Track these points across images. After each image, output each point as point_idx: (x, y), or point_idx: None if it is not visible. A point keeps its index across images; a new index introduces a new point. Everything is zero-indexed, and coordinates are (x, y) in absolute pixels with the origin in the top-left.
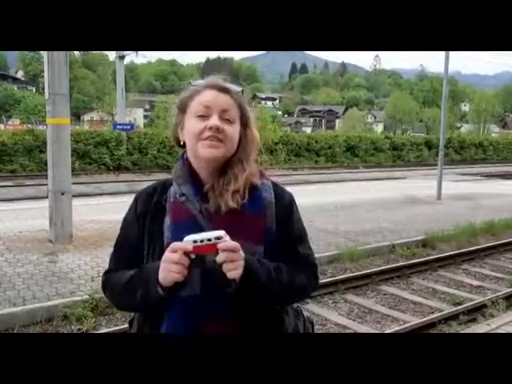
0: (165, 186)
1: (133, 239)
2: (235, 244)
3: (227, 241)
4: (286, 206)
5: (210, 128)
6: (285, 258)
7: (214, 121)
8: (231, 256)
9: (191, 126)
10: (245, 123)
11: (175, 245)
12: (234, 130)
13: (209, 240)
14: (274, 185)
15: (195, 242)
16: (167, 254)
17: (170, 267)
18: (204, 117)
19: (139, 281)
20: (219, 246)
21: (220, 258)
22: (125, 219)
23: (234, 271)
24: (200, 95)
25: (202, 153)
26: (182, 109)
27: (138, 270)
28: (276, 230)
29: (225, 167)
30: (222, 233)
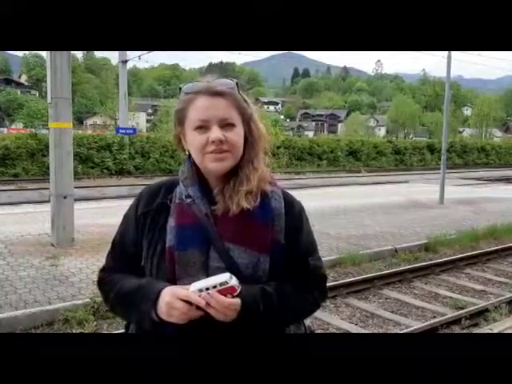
0: (171, 185)
1: (130, 238)
2: (229, 301)
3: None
4: (295, 217)
5: (213, 142)
6: (293, 270)
7: (215, 133)
8: (223, 311)
9: (192, 139)
10: (247, 119)
11: (180, 293)
12: (238, 134)
13: (214, 287)
14: (284, 194)
15: (201, 290)
16: (173, 300)
17: (172, 312)
18: (203, 128)
19: (136, 300)
20: (208, 299)
21: (210, 311)
22: (125, 216)
23: (218, 317)
24: (194, 104)
25: (209, 167)
26: (181, 122)
27: (135, 288)
28: (285, 241)
29: (234, 169)
30: (227, 276)
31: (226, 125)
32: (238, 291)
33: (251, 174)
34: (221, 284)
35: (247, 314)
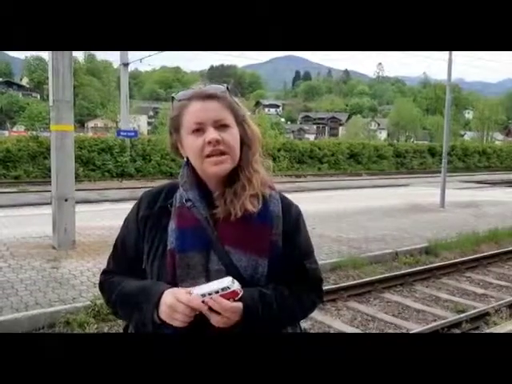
0: (172, 189)
1: (131, 241)
2: (231, 305)
3: (234, 289)
4: (293, 221)
5: (210, 143)
6: (291, 273)
7: (211, 134)
8: (224, 316)
9: (190, 144)
10: (241, 121)
11: (183, 298)
12: (233, 135)
13: (216, 292)
14: (282, 197)
15: (203, 295)
16: (175, 303)
17: (174, 315)
18: (199, 131)
19: (138, 301)
20: (211, 304)
21: (212, 317)
22: (126, 220)
23: (220, 323)
24: (188, 109)
25: (210, 171)
26: (176, 128)
27: (138, 289)
28: (282, 244)
29: (234, 172)
30: (229, 280)
31: (220, 126)
32: (240, 295)
33: (253, 176)
34: (223, 289)
35: (247, 316)
